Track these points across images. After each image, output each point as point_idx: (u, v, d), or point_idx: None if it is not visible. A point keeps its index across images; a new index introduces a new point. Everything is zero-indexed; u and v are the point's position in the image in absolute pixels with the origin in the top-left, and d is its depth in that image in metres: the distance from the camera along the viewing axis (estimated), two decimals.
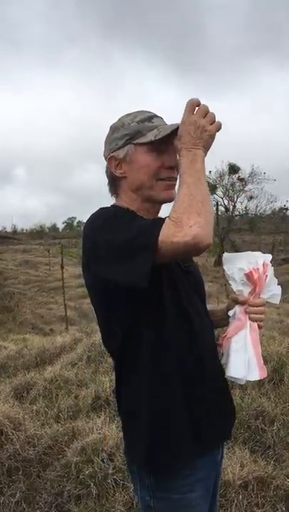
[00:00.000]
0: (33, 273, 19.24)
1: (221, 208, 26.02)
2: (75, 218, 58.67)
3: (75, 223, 56.73)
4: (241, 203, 26.31)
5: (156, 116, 1.28)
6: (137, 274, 1.06)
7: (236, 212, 26.75)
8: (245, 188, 25.85)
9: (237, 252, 1.41)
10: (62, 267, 8.64)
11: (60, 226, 57.53)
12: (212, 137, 1.14)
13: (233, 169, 25.31)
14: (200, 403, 1.22)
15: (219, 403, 1.29)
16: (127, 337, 1.20)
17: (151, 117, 1.26)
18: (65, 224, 57.96)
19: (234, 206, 26.39)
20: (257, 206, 26.05)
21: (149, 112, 1.28)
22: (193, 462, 1.20)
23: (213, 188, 25.05)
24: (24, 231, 49.17)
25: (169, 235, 1.02)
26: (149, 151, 1.22)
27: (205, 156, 1.14)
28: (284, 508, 2.33)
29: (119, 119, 1.29)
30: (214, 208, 24.27)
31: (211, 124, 1.13)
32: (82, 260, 1.23)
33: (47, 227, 50.35)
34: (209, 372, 1.25)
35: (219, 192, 26.03)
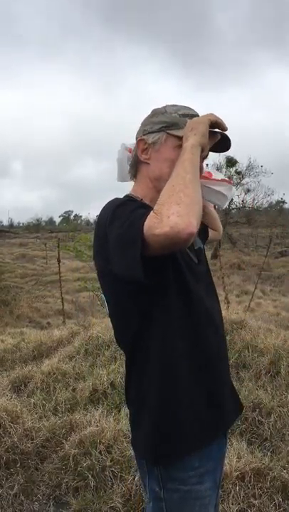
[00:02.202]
0: (29, 267, 19.19)
1: None
2: (72, 212, 58.69)
3: (71, 217, 56.65)
4: (238, 196, 26.29)
5: (198, 116, 1.28)
6: (130, 268, 1.06)
7: (233, 206, 26.73)
8: (243, 182, 25.83)
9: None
10: (59, 261, 8.60)
11: (57, 220, 57.47)
12: (206, 124, 1.17)
13: (231, 162, 25.25)
14: (207, 392, 1.24)
15: (225, 392, 1.31)
16: (139, 327, 1.21)
17: (194, 115, 1.27)
18: (61, 217, 57.89)
19: (231, 199, 26.39)
20: (254, 199, 26.05)
21: (194, 111, 1.29)
22: (202, 452, 1.21)
23: None
24: (21, 225, 49.11)
25: (151, 227, 1.01)
26: (178, 146, 1.22)
27: (199, 143, 1.15)
28: (280, 499, 2.34)
29: (165, 105, 1.30)
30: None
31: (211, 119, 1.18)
32: (94, 247, 1.24)
33: (43, 221, 50.29)
34: (216, 362, 1.28)
35: None
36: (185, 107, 1.30)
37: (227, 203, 1.52)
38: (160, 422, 1.20)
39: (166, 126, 1.25)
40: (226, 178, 1.54)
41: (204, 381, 1.23)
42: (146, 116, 1.33)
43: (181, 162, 1.11)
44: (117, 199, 1.24)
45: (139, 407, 1.26)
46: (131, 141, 1.39)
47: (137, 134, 1.32)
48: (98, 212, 1.25)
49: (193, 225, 1.00)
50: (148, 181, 1.29)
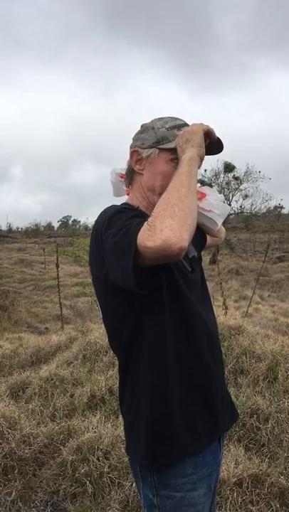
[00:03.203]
0: (28, 272, 19.16)
1: None
2: (70, 217, 58.68)
3: (70, 222, 56.67)
4: (236, 201, 26.33)
5: (186, 125, 1.31)
6: (123, 276, 1.08)
7: (231, 211, 26.79)
8: (241, 187, 25.89)
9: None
10: (57, 266, 8.60)
11: (56, 225, 57.39)
12: (201, 136, 1.20)
13: (229, 168, 25.32)
14: (201, 400, 1.24)
15: (220, 399, 1.31)
16: (132, 334, 1.22)
17: (181, 126, 1.30)
18: (60, 222, 57.83)
19: (229, 205, 26.42)
20: (252, 205, 26.09)
21: (181, 120, 1.32)
22: (196, 459, 1.22)
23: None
24: (19, 229, 48.98)
25: (144, 239, 1.03)
26: (171, 159, 1.26)
27: (198, 155, 1.17)
28: (278, 505, 2.35)
29: (152, 120, 1.34)
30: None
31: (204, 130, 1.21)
32: (90, 253, 1.26)
33: (42, 226, 50.18)
34: (211, 370, 1.28)
35: None
36: (171, 118, 1.33)
37: (218, 228, 1.54)
38: (154, 429, 1.20)
39: (156, 142, 1.29)
40: (216, 209, 1.47)
41: (198, 389, 1.24)
42: (136, 131, 1.36)
43: (178, 175, 1.13)
44: (114, 206, 1.26)
45: (133, 415, 1.27)
46: (121, 164, 1.45)
47: (130, 148, 1.35)
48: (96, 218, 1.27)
49: (184, 240, 1.02)
50: (142, 191, 1.32)
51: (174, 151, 1.25)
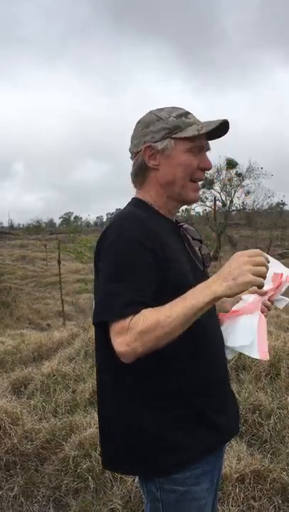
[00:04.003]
0: (30, 268, 19.18)
1: (219, 203, 26.03)
2: (72, 213, 58.81)
3: (71, 218, 56.74)
4: (239, 197, 26.31)
5: (189, 112, 1.27)
6: (99, 315, 1.14)
7: (233, 207, 26.77)
8: (243, 183, 25.85)
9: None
10: (59, 262, 8.62)
11: (57, 221, 57.44)
12: (245, 285, 1.05)
13: (231, 164, 25.26)
14: (206, 407, 1.22)
15: (224, 404, 1.29)
16: None
17: (187, 113, 1.26)
18: (62, 219, 57.88)
19: (231, 201, 26.40)
20: (254, 201, 26.07)
21: (182, 109, 1.28)
22: (199, 460, 1.21)
23: (210, 183, 25.05)
24: (21, 226, 49.08)
25: (113, 337, 1.08)
26: (189, 149, 1.22)
27: (222, 295, 1.06)
28: (280, 501, 2.35)
29: (152, 113, 1.28)
30: (212, 204, 24.26)
31: (255, 274, 1.05)
32: (96, 249, 1.23)
33: (44, 223, 50.19)
34: (215, 374, 1.26)
35: (217, 187, 26.02)
36: (173, 107, 1.27)
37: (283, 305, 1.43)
38: (156, 446, 1.17)
39: (168, 132, 1.23)
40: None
41: (203, 403, 1.21)
42: (135, 128, 1.29)
43: (187, 303, 1.06)
44: (130, 212, 1.21)
45: (130, 433, 1.20)
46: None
47: (133, 147, 1.29)
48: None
49: (136, 357, 1.07)
50: (158, 187, 1.26)
51: (190, 139, 1.21)
